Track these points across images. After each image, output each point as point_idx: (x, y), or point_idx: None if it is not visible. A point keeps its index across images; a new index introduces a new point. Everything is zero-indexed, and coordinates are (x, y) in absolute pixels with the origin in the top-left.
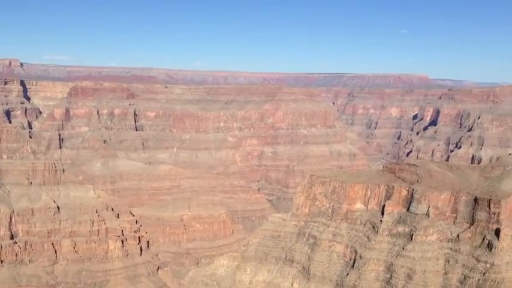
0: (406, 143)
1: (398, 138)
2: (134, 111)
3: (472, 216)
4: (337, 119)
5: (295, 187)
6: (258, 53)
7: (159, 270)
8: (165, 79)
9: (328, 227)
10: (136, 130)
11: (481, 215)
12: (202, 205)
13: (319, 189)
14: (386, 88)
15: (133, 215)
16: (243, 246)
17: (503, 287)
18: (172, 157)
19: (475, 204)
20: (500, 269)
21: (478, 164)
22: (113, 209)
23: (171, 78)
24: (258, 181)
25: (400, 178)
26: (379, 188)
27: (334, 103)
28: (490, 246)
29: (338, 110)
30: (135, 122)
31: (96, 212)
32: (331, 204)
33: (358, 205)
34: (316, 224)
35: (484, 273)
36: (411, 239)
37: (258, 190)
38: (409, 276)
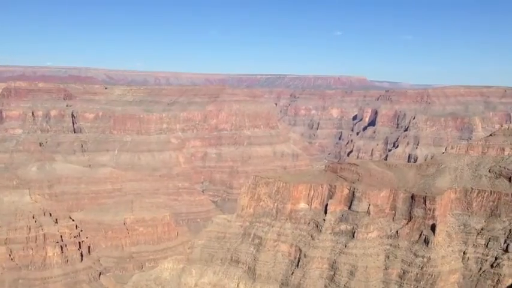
0: (347, 143)
1: (340, 139)
2: (72, 113)
3: (410, 212)
4: (279, 119)
5: (240, 188)
6: (201, 54)
7: (101, 276)
8: (104, 80)
9: (272, 227)
10: (75, 132)
11: (418, 211)
12: (146, 208)
13: (264, 190)
14: (327, 89)
15: (73, 220)
16: (188, 248)
17: (439, 280)
18: (114, 160)
19: (412, 201)
20: (436, 263)
21: (414, 162)
22: (50, 214)
23: (110, 79)
24: (202, 183)
25: (341, 177)
26: (321, 187)
27: (276, 104)
28: (426, 241)
29: (281, 111)
30: (73, 123)
31: (33, 217)
32: (276, 205)
33: (302, 205)
34: (261, 224)
35: (421, 268)
36: (353, 236)
37: (203, 192)
38: (352, 273)
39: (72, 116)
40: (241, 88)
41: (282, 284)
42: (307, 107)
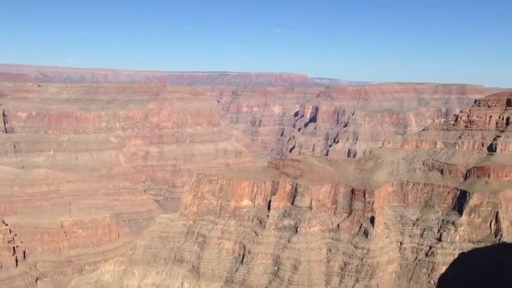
0: (289, 139)
1: (282, 135)
2: (3, 112)
3: (350, 206)
4: (222, 117)
5: (183, 186)
6: (140, 50)
7: (38, 281)
8: (37, 77)
9: (216, 224)
10: (6, 132)
11: (358, 204)
12: (84, 209)
13: (207, 188)
14: (269, 86)
15: (6, 224)
16: (130, 249)
17: (378, 270)
18: (49, 160)
19: (352, 195)
20: (375, 254)
21: (354, 157)
22: None
23: (44, 76)
24: (144, 182)
25: (284, 173)
26: (265, 184)
27: (219, 101)
28: (366, 234)
29: (223, 108)
30: (5, 123)
31: None
32: (219, 202)
33: (246, 201)
34: (204, 222)
35: (361, 259)
36: (296, 231)
37: (144, 191)
38: (295, 267)
39: (4, 115)
40: (183, 85)
41: (226, 281)
42: (249, 104)
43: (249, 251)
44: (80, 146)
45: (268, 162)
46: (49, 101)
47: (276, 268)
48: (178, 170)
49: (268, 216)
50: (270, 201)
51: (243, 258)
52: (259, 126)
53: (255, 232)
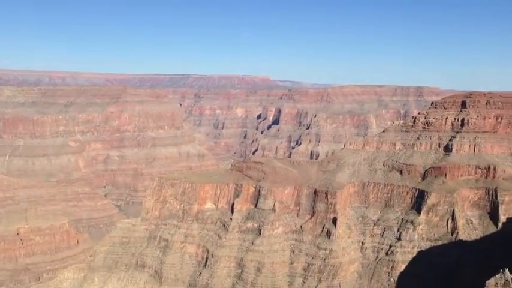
0: (252, 142)
1: (245, 137)
2: None
3: (313, 207)
4: (184, 120)
5: (144, 191)
6: (100, 53)
7: None
8: None
9: (179, 228)
10: None
11: (320, 206)
12: (42, 216)
13: (169, 191)
14: (232, 89)
15: None
16: (90, 256)
17: (340, 270)
18: (4, 166)
19: (315, 197)
20: (338, 254)
21: (316, 159)
22: None
23: None
24: (104, 187)
25: (247, 176)
26: (228, 186)
27: (181, 104)
28: (328, 234)
29: (185, 111)
30: None
31: None
32: (182, 206)
33: (209, 205)
34: (167, 227)
35: (324, 259)
36: (259, 233)
37: (105, 196)
38: (259, 270)
39: None
40: (144, 88)
41: (189, 285)
42: (212, 106)
43: (212, 255)
44: (37, 150)
45: (231, 165)
46: (4, 105)
47: (240, 271)
48: (140, 174)
49: (231, 219)
50: (233, 204)
51: (206, 261)
52: (222, 129)
53: (219, 235)
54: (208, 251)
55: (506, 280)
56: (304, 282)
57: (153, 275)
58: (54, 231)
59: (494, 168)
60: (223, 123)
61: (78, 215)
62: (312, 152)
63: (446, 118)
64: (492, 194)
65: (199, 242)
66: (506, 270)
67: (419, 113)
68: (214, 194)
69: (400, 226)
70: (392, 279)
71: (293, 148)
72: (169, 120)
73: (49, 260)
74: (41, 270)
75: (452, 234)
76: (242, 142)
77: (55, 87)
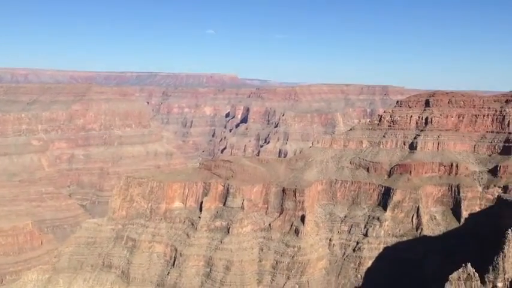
0: (221, 140)
1: (213, 136)
2: None
3: (281, 205)
4: (152, 118)
5: (111, 190)
6: (64, 49)
7: None
8: None
9: (147, 228)
10: None
11: (289, 203)
12: (4, 217)
13: (136, 191)
14: (200, 87)
15: None
16: (54, 257)
17: (308, 267)
18: None
19: (284, 195)
20: (306, 251)
21: (285, 157)
22: None
23: None
24: (69, 186)
25: (216, 174)
26: (196, 185)
27: (148, 102)
28: (297, 232)
29: (153, 110)
30: None
31: None
32: (150, 205)
33: (177, 203)
34: (134, 226)
35: (292, 257)
36: (228, 232)
37: (69, 196)
38: (227, 268)
39: None
40: (110, 86)
41: (157, 285)
42: (180, 105)
43: (180, 254)
44: None
45: (199, 164)
46: None
47: (209, 270)
48: (106, 173)
49: (200, 217)
50: (201, 203)
51: (174, 261)
52: (191, 127)
53: (187, 234)
54: (176, 250)
55: (469, 274)
56: (273, 280)
57: (120, 275)
58: (17, 232)
59: (457, 165)
60: (192, 122)
61: (42, 215)
62: (280, 150)
63: (411, 116)
64: (455, 190)
65: (167, 241)
66: (469, 264)
67: (385, 112)
68: (183, 193)
69: (367, 223)
70: (359, 275)
71: (261, 146)
72: (136, 119)
73: (12, 261)
74: (3, 272)
75: (417, 230)
76: (210, 141)
77: (17, 85)
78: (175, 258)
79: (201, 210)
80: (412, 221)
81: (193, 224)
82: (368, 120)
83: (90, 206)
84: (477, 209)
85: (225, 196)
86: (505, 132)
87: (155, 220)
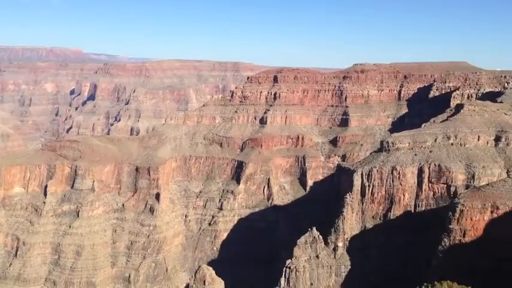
0: (66, 119)
1: (57, 115)
2: None
3: (135, 184)
4: None
5: None
6: None
7: None
8: None
9: None
10: None
11: (143, 182)
12: None
13: None
14: (39, 62)
15: None
16: None
17: (164, 244)
18: None
19: (137, 173)
20: (162, 229)
21: (137, 135)
22: None
23: None
24: None
25: (62, 156)
26: (39, 168)
27: None
28: (152, 210)
29: None
30: None
31: None
32: None
33: (17, 189)
34: None
35: (148, 236)
36: (78, 215)
37: None
38: (78, 253)
39: None
40: None
41: None
42: (16, 81)
43: (23, 243)
44: None
45: (42, 145)
46: None
47: (57, 257)
48: None
49: (44, 202)
50: (46, 187)
51: (17, 251)
52: (30, 106)
53: (30, 221)
54: (18, 240)
55: (314, 237)
56: (128, 261)
57: None
58: None
59: (303, 138)
60: (31, 100)
61: None
62: (132, 128)
63: (261, 92)
64: (301, 161)
65: (7, 231)
66: (314, 229)
67: (236, 88)
68: (23, 177)
69: (222, 196)
70: (215, 248)
71: (112, 125)
72: None
73: None
74: None
75: (268, 201)
76: (54, 120)
77: None
78: (17, 247)
79: (45, 194)
80: (263, 192)
81: (37, 210)
82: (220, 96)
83: None
84: (320, 177)
85: (73, 178)
86: (342, 106)
87: None
